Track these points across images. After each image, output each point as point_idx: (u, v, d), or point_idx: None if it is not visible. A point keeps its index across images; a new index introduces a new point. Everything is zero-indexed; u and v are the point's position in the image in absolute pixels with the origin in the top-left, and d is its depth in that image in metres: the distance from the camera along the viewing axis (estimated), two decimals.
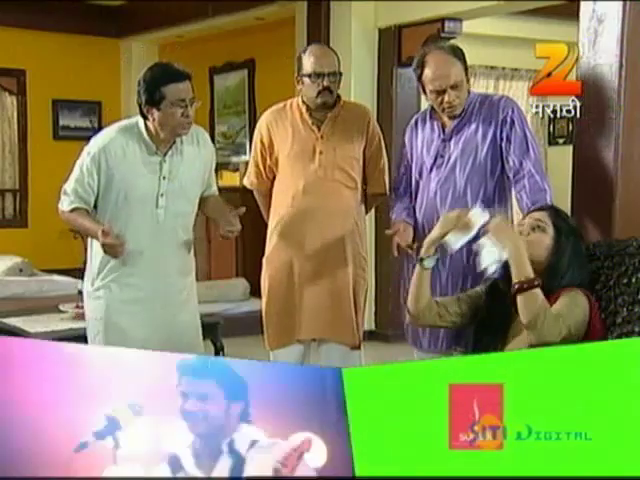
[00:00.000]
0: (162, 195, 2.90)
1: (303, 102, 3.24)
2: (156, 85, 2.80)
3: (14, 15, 7.67)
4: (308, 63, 3.17)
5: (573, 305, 2.30)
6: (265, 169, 3.33)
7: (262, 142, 3.31)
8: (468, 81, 2.93)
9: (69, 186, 2.92)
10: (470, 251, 2.88)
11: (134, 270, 2.91)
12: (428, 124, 3.02)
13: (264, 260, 3.34)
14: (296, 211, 3.22)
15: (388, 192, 3.35)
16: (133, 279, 2.91)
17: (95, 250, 2.92)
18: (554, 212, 2.47)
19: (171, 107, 2.80)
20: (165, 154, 2.91)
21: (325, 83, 3.15)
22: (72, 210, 2.91)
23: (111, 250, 2.79)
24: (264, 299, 3.33)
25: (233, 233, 3.00)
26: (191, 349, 2.84)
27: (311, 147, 3.20)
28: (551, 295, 2.32)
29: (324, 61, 3.17)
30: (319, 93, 3.15)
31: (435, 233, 2.50)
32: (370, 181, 3.33)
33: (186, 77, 2.83)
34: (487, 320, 2.47)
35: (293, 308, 3.23)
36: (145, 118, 2.88)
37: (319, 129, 3.21)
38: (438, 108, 2.94)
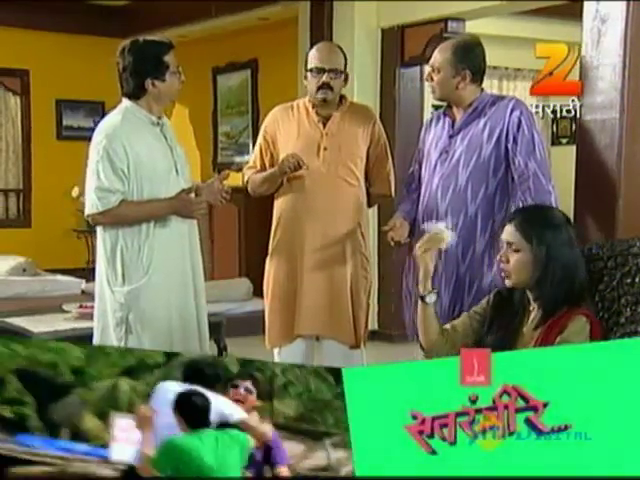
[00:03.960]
0: (177, 162, 2.95)
1: (309, 100, 3.28)
2: (159, 55, 2.86)
3: (17, 15, 7.69)
4: (312, 59, 3.24)
5: (578, 333, 2.28)
6: (264, 165, 3.35)
7: (266, 139, 3.35)
8: (463, 79, 2.95)
9: (102, 183, 2.81)
10: (465, 246, 2.92)
11: (170, 248, 2.91)
12: (441, 122, 3.08)
13: (268, 257, 3.36)
14: (299, 207, 3.24)
15: (393, 194, 3.41)
16: (170, 257, 2.91)
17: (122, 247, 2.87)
18: (519, 220, 2.39)
19: (172, 75, 2.89)
20: (161, 127, 2.95)
21: (324, 79, 3.19)
22: (119, 204, 2.82)
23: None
24: (268, 296, 3.34)
25: (226, 195, 3.03)
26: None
27: (316, 143, 3.23)
28: (559, 312, 2.31)
29: (326, 57, 3.23)
30: (319, 88, 3.20)
31: (422, 268, 2.49)
32: (376, 182, 3.36)
33: (174, 45, 2.94)
34: (493, 331, 2.44)
35: (294, 304, 3.24)
36: (134, 95, 2.88)
37: (324, 126, 3.25)
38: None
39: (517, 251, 2.35)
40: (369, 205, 3.42)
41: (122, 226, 2.86)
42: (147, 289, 2.86)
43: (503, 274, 2.39)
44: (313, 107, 3.27)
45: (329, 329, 3.27)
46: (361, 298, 3.30)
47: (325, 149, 3.23)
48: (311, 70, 3.22)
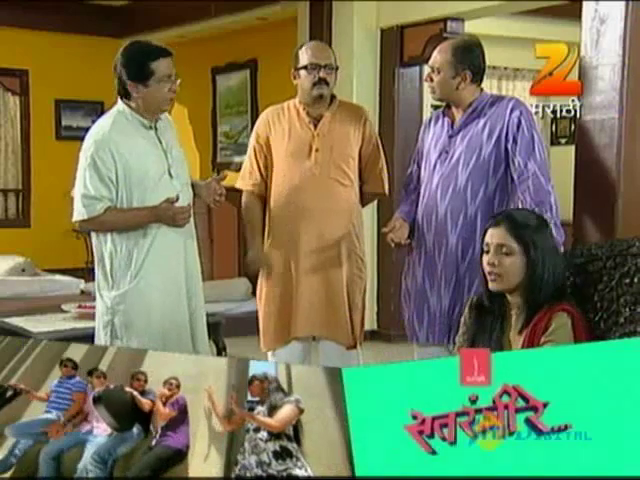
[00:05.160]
0: (171, 165, 2.92)
1: (300, 102, 3.28)
2: (145, 61, 2.82)
3: (16, 15, 7.68)
4: (304, 56, 3.23)
5: (562, 329, 2.29)
6: (259, 169, 3.34)
7: (258, 142, 3.33)
8: (463, 79, 2.95)
9: (88, 191, 2.81)
10: (464, 246, 2.92)
11: (165, 251, 2.90)
12: (440, 122, 3.08)
13: None
14: (292, 209, 3.23)
15: (386, 192, 3.41)
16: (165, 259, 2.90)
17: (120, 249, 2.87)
18: (511, 224, 2.37)
19: (159, 83, 2.83)
20: (156, 129, 2.93)
21: (321, 74, 3.19)
22: (104, 211, 2.82)
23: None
24: (262, 298, 3.33)
25: (221, 198, 3.02)
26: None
27: (307, 145, 3.22)
28: (540, 311, 2.32)
29: (320, 53, 3.23)
30: (315, 84, 3.19)
31: None
32: (369, 180, 3.35)
33: (170, 53, 2.88)
34: (478, 336, 2.43)
35: (289, 306, 3.24)
36: (126, 97, 2.87)
37: (315, 127, 3.24)
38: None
39: (509, 254, 2.34)
40: (363, 204, 3.41)
41: (111, 232, 2.86)
42: (134, 294, 2.85)
43: (490, 277, 2.36)
44: (304, 108, 3.26)
45: (326, 330, 3.26)
46: (357, 298, 3.29)
47: (317, 150, 3.22)
48: (305, 67, 3.20)
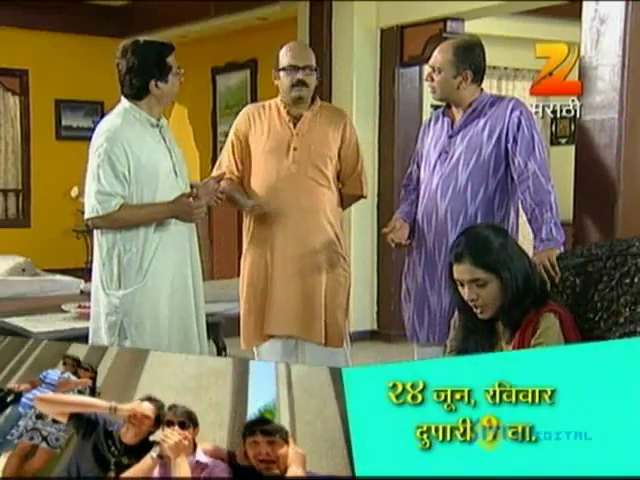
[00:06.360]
0: (175, 164, 2.94)
1: (281, 101, 3.29)
2: (163, 57, 2.87)
3: (17, 15, 7.69)
4: (284, 58, 3.24)
5: (550, 329, 2.30)
6: (235, 162, 3.33)
7: (237, 137, 3.33)
8: (464, 79, 2.95)
9: (103, 187, 2.80)
10: None
11: (172, 248, 2.90)
12: (440, 122, 3.08)
13: (242, 257, 3.36)
14: (270, 207, 3.22)
15: (365, 194, 3.41)
16: (171, 256, 2.90)
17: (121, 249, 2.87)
18: (473, 257, 2.34)
19: (174, 76, 2.90)
20: (160, 128, 2.95)
21: (299, 76, 3.19)
22: (119, 208, 2.81)
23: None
24: (242, 297, 3.33)
25: (222, 196, 3.05)
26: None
27: (286, 143, 3.24)
28: (528, 315, 2.33)
29: (299, 55, 3.24)
30: (293, 86, 3.20)
31: None
32: (347, 182, 3.35)
33: (174, 46, 2.96)
34: (469, 334, 2.44)
35: (264, 304, 3.24)
36: (138, 96, 2.88)
37: (295, 126, 3.25)
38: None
39: (484, 285, 2.34)
40: (343, 207, 3.40)
41: (120, 229, 2.85)
42: (143, 293, 2.85)
43: (476, 310, 2.37)
44: (285, 107, 3.27)
45: (300, 329, 3.24)
46: (340, 298, 3.28)
47: (295, 149, 3.23)
48: (284, 69, 3.22)
